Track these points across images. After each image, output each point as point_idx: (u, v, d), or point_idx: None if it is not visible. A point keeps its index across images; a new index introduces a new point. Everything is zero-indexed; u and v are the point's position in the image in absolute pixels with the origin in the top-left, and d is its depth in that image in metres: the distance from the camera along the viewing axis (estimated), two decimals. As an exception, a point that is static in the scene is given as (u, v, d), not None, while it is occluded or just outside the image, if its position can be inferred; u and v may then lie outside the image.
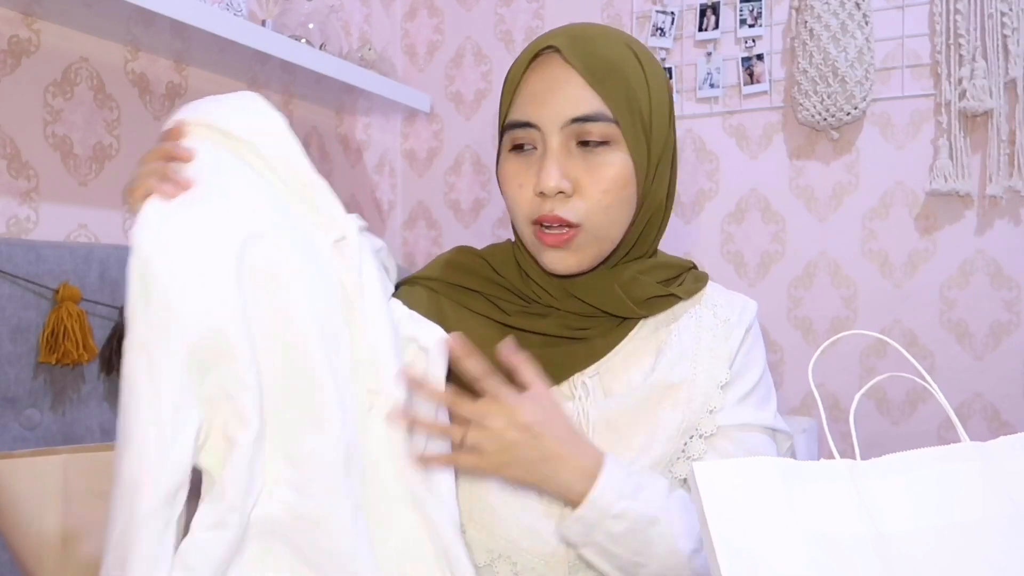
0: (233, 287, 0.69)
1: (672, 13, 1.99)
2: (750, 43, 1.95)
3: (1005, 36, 1.70)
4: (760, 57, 1.93)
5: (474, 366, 0.77)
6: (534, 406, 0.77)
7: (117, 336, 1.40)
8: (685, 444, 0.85)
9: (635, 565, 0.77)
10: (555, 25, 0.93)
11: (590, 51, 0.83)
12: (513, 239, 0.96)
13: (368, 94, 1.90)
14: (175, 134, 0.75)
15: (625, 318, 0.89)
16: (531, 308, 0.91)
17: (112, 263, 1.42)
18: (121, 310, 1.40)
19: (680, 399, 0.86)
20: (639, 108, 0.84)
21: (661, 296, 0.89)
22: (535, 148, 0.85)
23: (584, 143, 0.83)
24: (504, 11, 2.20)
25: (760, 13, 1.93)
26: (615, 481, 0.76)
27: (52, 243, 1.34)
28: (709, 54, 1.97)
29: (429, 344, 0.80)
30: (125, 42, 1.52)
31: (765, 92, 1.94)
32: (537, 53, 0.86)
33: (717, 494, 0.55)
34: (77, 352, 1.30)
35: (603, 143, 0.83)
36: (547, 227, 0.84)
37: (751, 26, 1.94)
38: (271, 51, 1.58)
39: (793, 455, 0.94)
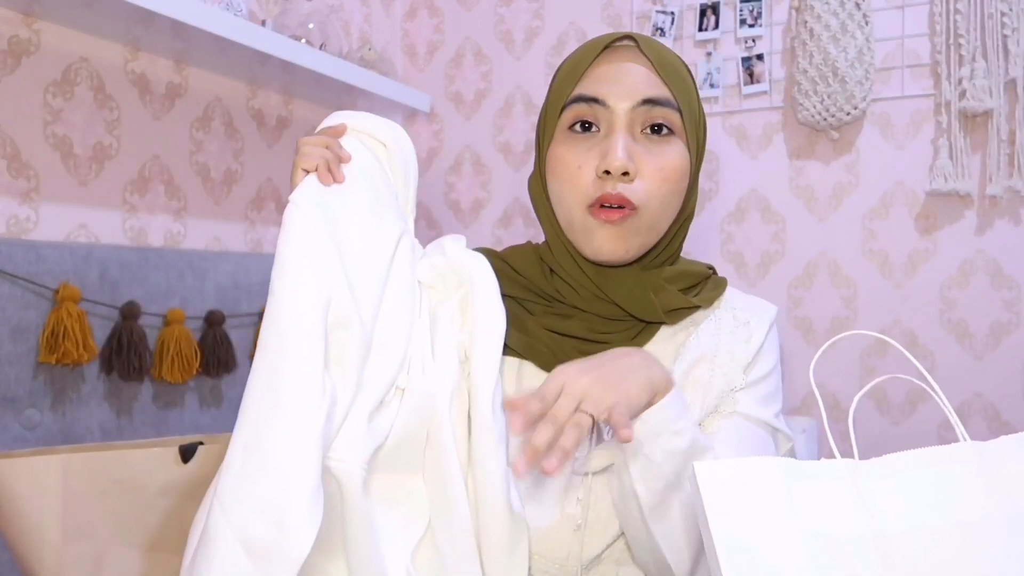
0: (361, 265, 0.80)
1: (672, 13, 1.99)
2: (750, 43, 1.95)
3: (1005, 36, 1.70)
4: (760, 57, 1.93)
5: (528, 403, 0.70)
6: (575, 363, 0.74)
7: (117, 336, 1.40)
8: None
9: (671, 489, 0.75)
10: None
11: (661, 51, 0.89)
12: (533, 242, 0.97)
13: (368, 94, 1.90)
14: (337, 132, 0.85)
15: (647, 323, 0.90)
16: (555, 308, 0.91)
17: (112, 263, 1.42)
18: (121, 310, 1.40)
19: (695, 402, 0.86)
20: (695, 111, 0.89)
21: (685, 308, 0.90)
22: (598, 129, 0.86)
23: (653, 128, 0.85)
24: (504, 11, 2.20)
25: (760, 13, 1.93)
26: (677, 402, 0.76)
27: (52, 243, 1.34)
28: (709, 54, 1.97)
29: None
30: (125, 42, 1.52)
31: (765, 92, 1.94)
32: (613, 41, 0.88)
33: (718, 493, 0.55)
34: (77, 352, 1.30)
35: (668, 132, 0.86)
36: (606, 207, 0.84)
37: (751, 26, 1.94)
38: (271, 51, 1.58)
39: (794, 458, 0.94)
